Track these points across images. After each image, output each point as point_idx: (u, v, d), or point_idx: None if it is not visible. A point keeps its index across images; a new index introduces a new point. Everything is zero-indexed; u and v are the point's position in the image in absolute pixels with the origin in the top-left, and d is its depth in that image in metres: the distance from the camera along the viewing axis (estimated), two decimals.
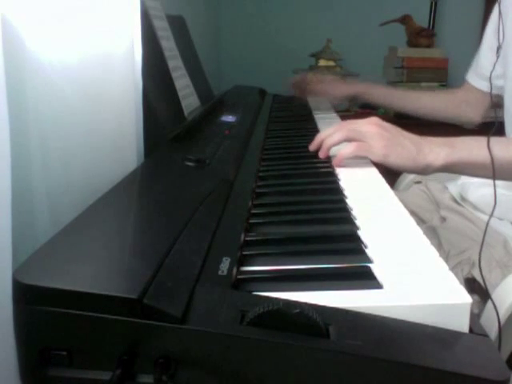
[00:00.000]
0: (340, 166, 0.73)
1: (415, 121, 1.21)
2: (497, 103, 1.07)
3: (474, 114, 1.13)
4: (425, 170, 0.72)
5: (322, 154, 0.76)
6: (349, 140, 0.73)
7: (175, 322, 0.33)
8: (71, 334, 0.34)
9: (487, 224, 0.71)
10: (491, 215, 0.72)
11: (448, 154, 0.70)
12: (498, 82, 1.02)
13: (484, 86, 1.06)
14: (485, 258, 0.76)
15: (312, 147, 0.79)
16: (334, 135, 0.74)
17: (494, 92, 1.05)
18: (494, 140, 0.72)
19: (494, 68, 0.99)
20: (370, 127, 0.73)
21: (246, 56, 2.25)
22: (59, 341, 0.34)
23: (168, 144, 0.74)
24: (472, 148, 0.71)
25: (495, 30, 0.99)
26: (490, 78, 1.00)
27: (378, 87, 1.24)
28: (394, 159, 0.71)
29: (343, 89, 1.22)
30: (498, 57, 0.99)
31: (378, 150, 0.71)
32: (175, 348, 0.33)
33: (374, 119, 0.75)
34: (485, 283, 0.65)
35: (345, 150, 0.73)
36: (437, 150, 0.71)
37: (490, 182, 0.91)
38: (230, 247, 0.45)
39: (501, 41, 0.98)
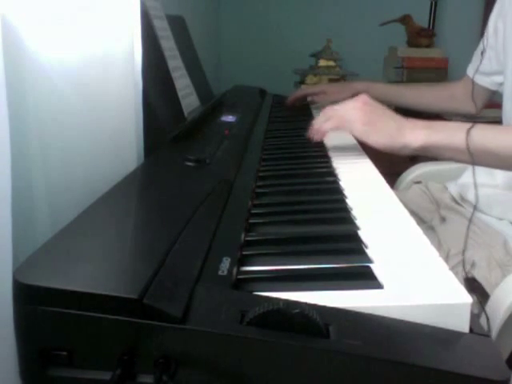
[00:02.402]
0: (320, 138, 0.80)
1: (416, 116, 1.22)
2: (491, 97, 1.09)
3: (472, 106, 1.14)
4: (402, 150, 0.73)
5: (310, 135, 0.81)
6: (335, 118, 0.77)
7: (175, 322, 0.33)
8: (71, 334, 0.34)
9: (472, 214, 0.74)
10: (475, 209, 0.75)
11: (427, 136, 0.72)
12: (496, 79, 1.03)
13: (482, 80, 1.07)
14: (485, 258, 0.76)
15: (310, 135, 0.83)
16: (320, 117, 0.79)
17: (493, 88, 1.06)
18: (476, 126, 0.72)
19: (476, 71, 1.02)
20: (355, 104, 0.76)
21: (246, 56, 2.25)
22: (59, 341, 0.34)
23: (168, 144, 0.74)
24: (451, 132, 0.72)
25: (495, 29, 0.99)
26: (473, 79, 1.03)
27: (378, 85, 1.26)
28: (373, 135, 0.73)
29: (343, 93, 1.23)
30: (481, 60, 1.01)
31: (358, 125, 0.74)
32: (175, 348, 0.33)
33: (362, 97, 0.78)
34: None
35: (326, 123, 0.76)
36: (417, 131, 0.72)
37: (491, 183, 0.92)
38: (230, 247, 0.44)
39: (485, 44, 1.01)
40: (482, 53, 1.01)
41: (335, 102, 1.27)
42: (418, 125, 0.73)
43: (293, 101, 1.29)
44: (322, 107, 1.28)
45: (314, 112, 1.22)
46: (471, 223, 0.88)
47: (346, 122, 0.76)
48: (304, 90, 1.31)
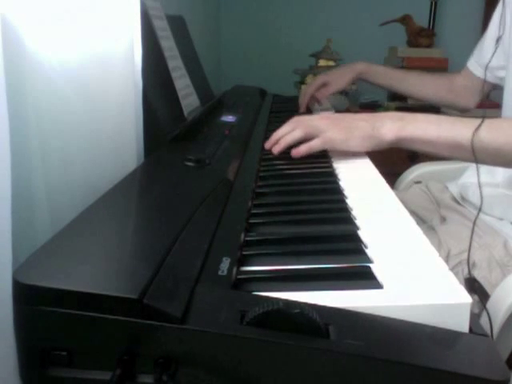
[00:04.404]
0: (280, 150, 0.77)
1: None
2: (488, 93, 1.08)
3: (469, 100, 1.14)
4: (379, 145, 0.75)
5: (276, 150, 0.78)
6: (308, 136, 0.76)
7: (175, 322, 0.33)
8: (71, 334, 0.34)
9: (476, 217, 0.73)
10: (480, 208, 0.74)
11: (399, 129, 0.73)
12: (498, 73, 1.02)
13: (482, 73, 1.06)
14: (485, 258, 0.76)
15: (268, 145, 0.80)
16: (293, 133, 0.77)
17: (493, 82, 1.05)
18: (448, 119, 0.74)
19: (490, 60, 1.00)
20: (325, 121, 0.77)
21: (246, 56, 2.25)
22: (59, 341, 0.34)
23: (168, 144, 0.74)
24: (423, 124, 0.73)
25: (499, 20, 0.98)
26: (486, 68, 1.01)
27: (380, 67, 1.23)
28: (355, 142, 0.75)
29: (346, 76, 1.21)
30: (496, 47, 0.99)
31: (338, 139, 0.75)
32: (175, 348, 0.33)
33: (326, 114, 0.82)
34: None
35: (313, 143, 0.76)
36: (389, 124, 0.73)
37: (491, 182, 0.92)
38: (230, 247, 0.45)
39: (501, 32, 0.98)
40: (498, 39, 0.98)
41: (339, 90, 1.25)
42: (389, 117, 0.75)
43: (305, 107, 1.24)
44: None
45: (314, 112, 1.22)
46: (472, 223, 0.88)
47: (328, 139, 0.75)
48: (308, 89, 1.25)
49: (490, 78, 1.05)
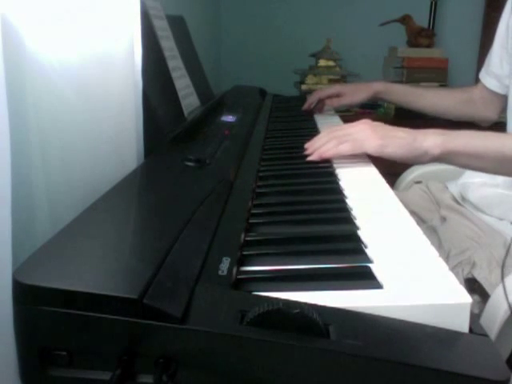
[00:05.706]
0: (324, 157, 0.75)
1: (416, 121, 1.20)
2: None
3: (490, 112, 1.10)
4: (422, 158, 0.72)
5: (310, 159, 0.76)
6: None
7: (175, 322, 0.33)
8: (71, 334, 0.34)
9: None
10: None
11: (445, 142, 0.71)
12: (506, 82, 1.00)
13: (493, 84, 1.05)
14: (485, 258, 0.76)
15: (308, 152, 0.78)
16: (327, 145, 0.75)
17: (502, 92, 1.03)
18: (490, 134, 0.72)
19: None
20: (361, 126, 0.75)
21: (246, 56, 2.25)
22: (59, 341, 0.34)
23: (168, 144, 0.74)
24: (468, 138, 0.72)
25: (507, 27, 0.97)
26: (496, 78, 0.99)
27: (397, 86, 1.22)
28: (392, 149, 0.72)
29: (362, 93, 1.19)
30: (503, 55, 0.98)
31: (374, 142, 0.72)
32: (175, 348, 0.33)
33: (364, 120, 0.77)
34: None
35: (342, 146, 0.74)
36: (433, 138, 0.71)
37: (491, 182, 0.92)
38: (230, 247, 0.45)
39: (507, 40, 0.97)
40: (505, 48, 0.95)
41: (351, 105, 1.23)
42: (431, 132, 0.72)
43: (308, 107, 1.23)
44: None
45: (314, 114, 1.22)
46: (472, 223, 0.88)
47: (361, 142, 0.73)
48: (318, 93, 1.24)
49: (499, 88, 1.03)
